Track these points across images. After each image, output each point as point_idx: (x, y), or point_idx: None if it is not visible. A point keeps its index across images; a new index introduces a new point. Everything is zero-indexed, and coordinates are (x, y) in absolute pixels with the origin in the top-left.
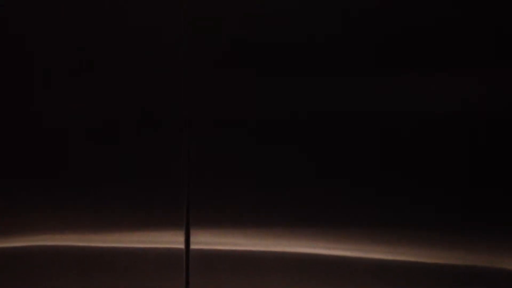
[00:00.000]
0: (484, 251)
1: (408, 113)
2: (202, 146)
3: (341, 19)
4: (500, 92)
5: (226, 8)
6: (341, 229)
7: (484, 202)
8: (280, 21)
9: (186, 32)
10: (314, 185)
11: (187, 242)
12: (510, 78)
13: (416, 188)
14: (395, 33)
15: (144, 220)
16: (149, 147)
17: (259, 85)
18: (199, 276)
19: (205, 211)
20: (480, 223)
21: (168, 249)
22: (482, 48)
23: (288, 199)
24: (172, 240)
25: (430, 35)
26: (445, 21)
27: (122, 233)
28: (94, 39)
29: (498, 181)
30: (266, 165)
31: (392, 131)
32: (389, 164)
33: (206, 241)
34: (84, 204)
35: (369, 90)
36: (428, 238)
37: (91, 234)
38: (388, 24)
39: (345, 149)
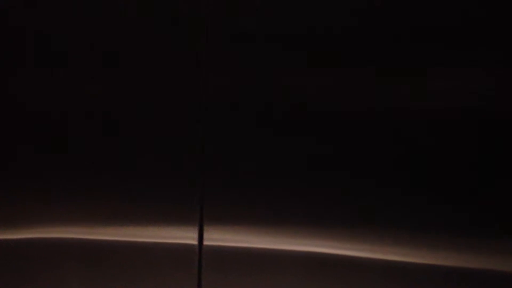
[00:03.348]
0: (494, 254)
1: (421, 111)
2: (217, 142)
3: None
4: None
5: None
6: (355, 229)
7: (493, 204)
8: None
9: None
10: (329, 184)
11: (200, 238)
12: None
13: (427, 189)
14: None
15: (157, 215)
16: (163, 142)
17: (279, 78)
18: (212, 273)
19: (218, 207)
20: (490, 225)
21: (181, 245)
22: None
23: (303, 197)
24: (185, 236)
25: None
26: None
27: (135, 227)
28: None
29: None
30: (281, 163)
31: (405, 130)
32: (401, 164)
33: (219, 237)
34: (97, 197)
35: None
36: (439, 240)
37: (104, 227)
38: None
39: (360, 149)
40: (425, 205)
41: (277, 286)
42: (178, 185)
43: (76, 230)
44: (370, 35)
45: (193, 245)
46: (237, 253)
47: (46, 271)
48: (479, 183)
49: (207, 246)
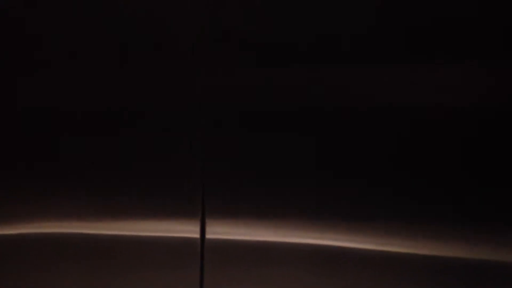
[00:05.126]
0: (494, 246)
1: (421, 108)
2: (218, 135)
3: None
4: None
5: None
6: (358, 221)
7: (497, 197)
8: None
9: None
10: (331, 177)
11: (203, 231)
12: None
13: (427, 182)
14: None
15: (159, 209)
16: (164, 135)
17: (275, 76)
18: (214, 266)
19: (220, 200)
20: (496, 218)
21: (183, 239)
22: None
23: (305, 190)
24: (187, 230)
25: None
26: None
27: (137, 221)
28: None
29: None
30: (283, 155)
31: (405, 126)
32: (403, 159)
33: (221, 231)
34: (98, 192)
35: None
36: (444, 232)
37: (105, 222)
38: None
39: (361, 143)
40: (426, 198)
41: (280, 279)
42: (179, 178)
43: (76, 224)
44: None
45: (195, 238)
46: (240, 246)
47: (46, 266)
48: (475, 177)
49: (210, 239)
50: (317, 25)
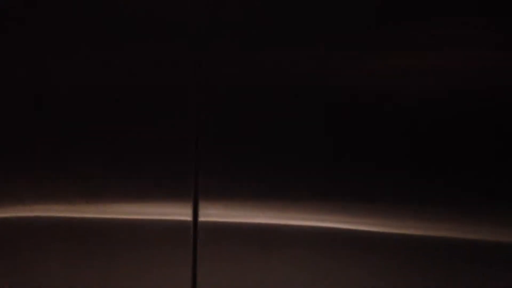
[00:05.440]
0: (496, 225)
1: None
2: (212, 112)
3: None
4: None
5: None
6: (359, 203)
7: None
8: None
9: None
10: (332, 157)
11: (195, 214)
12: None
13: (428, 164)
14: None
15: (147, 190)
16: (156, 115)
17: (272, 54)
18: (208, 252)
19: (214, 181)
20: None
21: (174, 222)
22: None
23: (303, 170)
24: (179, 212)
25: None
26: None
27: (128, 204)
28: None
29: None
30: (281, 134)
31: (407, 108)
32: (408, 139)
33: (216, 213)
34: (89, 174)
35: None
36: (440, 213)
37: (96, 205)
38: None
39: (364, 123)
40: (428, 179)
41: (274, 261)
42: (171, 158)
43: (64, 208)
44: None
45: (187, 221)
46: (235, 230)
47: (33, 251)
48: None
49: (203, 222)
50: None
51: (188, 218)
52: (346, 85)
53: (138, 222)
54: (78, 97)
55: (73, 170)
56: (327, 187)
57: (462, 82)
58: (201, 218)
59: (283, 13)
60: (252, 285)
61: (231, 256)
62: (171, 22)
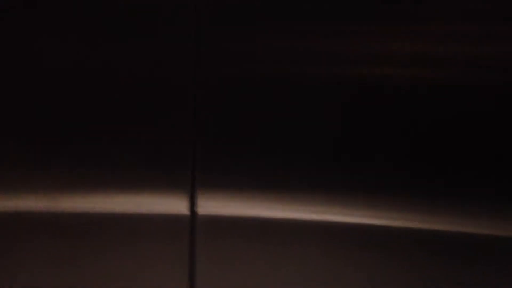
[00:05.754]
0: (496, 218)
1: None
2: (210, 102)
3: None
4: None
5: None
6: (359, 196)
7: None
8: None
9: None
10: (332, 150)
11: (193, 207)
12: None
13: (429, 158)
14: None
15: (143, 182)
16: (152, 104)
17: (270, 42)
18: (206, 246)
19: (212, 173)
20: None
21: (171, 216)
22: None
23: (303, 163)
24: (176, 205)
25: None
26: None
27: (124, 196)
28: None
29: None
30: (280, 126)
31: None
32: (410, 132)
33: (214, 206)
34: (84, 165)
35: None
36: (442, 206)
37: (91, 196)
38: None
39: (364, 114)
40: (430, 172)
41: (273, 255)
42: (168, 150)
43: (58, 200)
44: None
45: (185, 215)
46: (234, 222)
47: (24, 243)
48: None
49: (201, 215)
50: None
51: (185, 211)
52: (346, 79)
53: (130, 216)
54: (76, 95)
55: (68, 165)
56: (327, 180)
57: (464, 76)
58: (199, 211)
59: (283, 12)
60: (251, 279)
61: (232, 252)
62: (170, 19)
